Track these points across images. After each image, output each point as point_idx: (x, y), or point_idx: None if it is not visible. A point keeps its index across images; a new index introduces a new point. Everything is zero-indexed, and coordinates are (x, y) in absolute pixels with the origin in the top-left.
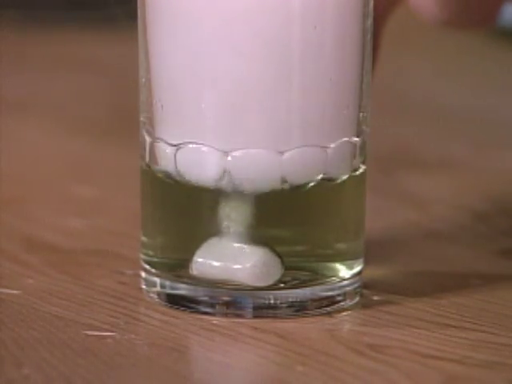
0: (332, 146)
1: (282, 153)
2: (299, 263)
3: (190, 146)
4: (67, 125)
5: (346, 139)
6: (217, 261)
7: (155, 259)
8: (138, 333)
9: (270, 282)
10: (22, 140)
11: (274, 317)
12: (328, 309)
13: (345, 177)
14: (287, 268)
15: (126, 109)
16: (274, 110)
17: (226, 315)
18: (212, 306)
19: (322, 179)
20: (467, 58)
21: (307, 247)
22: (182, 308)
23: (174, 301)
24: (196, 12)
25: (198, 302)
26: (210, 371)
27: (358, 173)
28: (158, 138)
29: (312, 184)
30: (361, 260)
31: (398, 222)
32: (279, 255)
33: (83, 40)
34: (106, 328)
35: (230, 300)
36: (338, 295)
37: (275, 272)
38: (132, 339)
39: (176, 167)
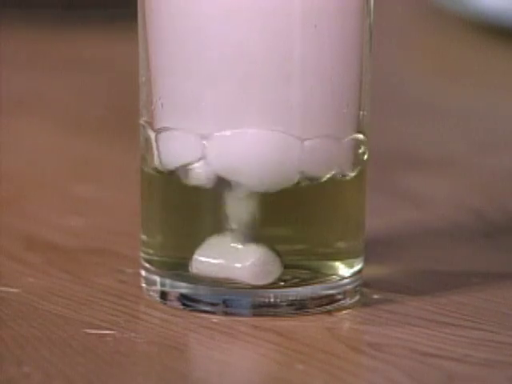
0: (332, 143)
1: (280, 151)
2: (299, 262)
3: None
4: (67, 124)
5: (347, 136)
6: (216, 259)
7: (155, 258)
8: (137, 331)
9: (270, 280)
10: (22, 139)
11: (274, 315)
12: (328, 307)
13: (351, 174)
14: (287, 266)
15: (126, 108)
16: (274, 109)
17: (225, 313)
18: (212, 304)
19: (328, 178)
20: (467, 58)
21: (307, 246)
22: (182, 306)
23: (174, 299)
24: (196, 11)
25: (198, 301)
26: (210, 369)
27: (358, 172)
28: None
29: (325, 179)
30: (361, 258)
31: (398, 220)
32: (278, 254)
33: (83, 39)
34: (106, 326)
35: (229, 298)
36: (338, 294)
37: (274, 270)
38: (132, 337)
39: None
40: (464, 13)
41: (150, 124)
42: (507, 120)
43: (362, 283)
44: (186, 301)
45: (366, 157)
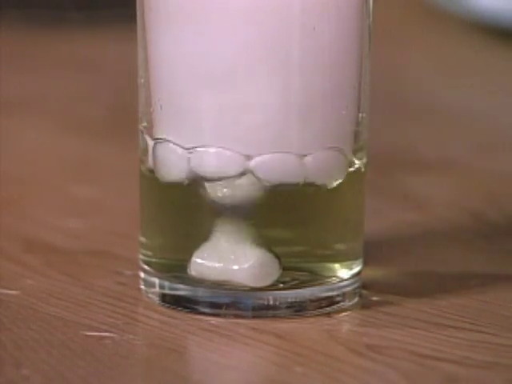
0: (331, 145)
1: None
2: (298, 264)
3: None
4: (67, 125)
5: (345, 139)
6: (215, 261)
7: (154, 260)
8: (136, 333)
9: (268, 282)
10: (22, 140)
11: (273, 317)
12: (327, 309)
13: (340, 180)
14: (286, 268)
15: (126, 109)
16: (273, 111)
17: (224, 316)
18: (211, 306)
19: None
20: (467, 58)
21: (306, 248)
22: (181, 308)
23: (173, 301)
24: (195, 13)
25: (197, 303)
26: (209, 372)
27: (357, 173)
28: (160, 139)
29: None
30: (360, 260)
31: (398, 222)
32: (277, 256)
33: (83, 40)
34: (105, 328)
35: (228, 300)
36: (337, 296)
37: (273, 272)
38: (131, 340)
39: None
40: (464, 13)
41: (149, 125)
42: (507, 120)
43: (361, 285)
44: (185, 303)
45: (364, 158)
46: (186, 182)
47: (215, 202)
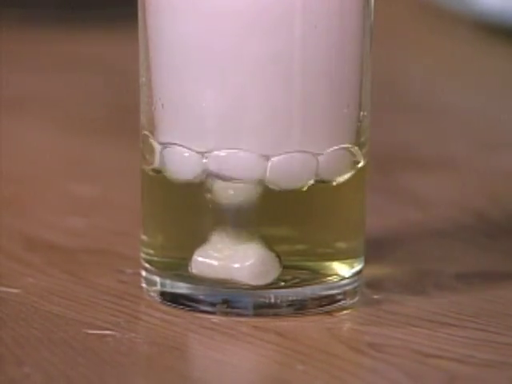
0: (331, 145)
1: (280, 153)
2: (299, 262)
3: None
4: (67, 124)
5: (345, 138)
6: (216, 260)
7: (155, 258)
8: (138, 331)
9: (268, 280)
10: (22, 139)
11: (275, 316)
12: (328, 308)
13: (345, 177)
14: (288, 267)
15: (126, 108)
16: (274, 109)
17: (226, 314)
18: (212, 304)
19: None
20: (467, 58)
21: (307, 246)
22: (183, 307)
23: (175, 299)
24: (196, 12)
25: (198, 301)
26: (210, 370)
27: (358, 172)
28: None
29: (308, 185)
30: (361, 259)
31: (398, 221)
32: (277, 254)
33: (83, 39)
34: (107, 327)
35: (230, 299)
36: (338, 294)
37: (273, 271)
38: (132, 338)
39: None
40: (464, 13)
41: (151, 125)
42: (509, 119)
43: (363, 283)
44: (186, 301)
45: (365, 157)
46: (198, 180)
47: (220, 203)
